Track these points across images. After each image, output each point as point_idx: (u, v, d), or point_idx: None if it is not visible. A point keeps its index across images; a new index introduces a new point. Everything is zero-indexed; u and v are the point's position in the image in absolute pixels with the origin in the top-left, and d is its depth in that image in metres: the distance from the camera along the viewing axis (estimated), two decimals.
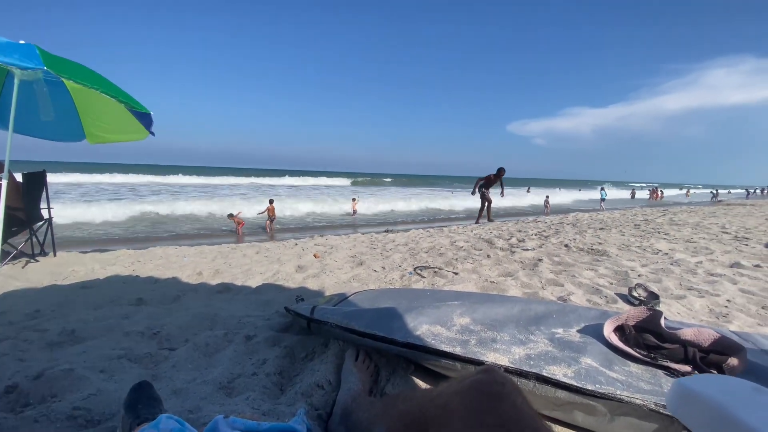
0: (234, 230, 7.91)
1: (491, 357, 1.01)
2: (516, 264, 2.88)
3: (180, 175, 34.15)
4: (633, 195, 26.42)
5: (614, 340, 1.08)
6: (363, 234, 5.33)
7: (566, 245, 3.80)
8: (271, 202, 9.10)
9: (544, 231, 5.22)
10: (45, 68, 2.53)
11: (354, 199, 12.04)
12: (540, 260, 2.98)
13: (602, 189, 17.67)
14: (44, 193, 3.60)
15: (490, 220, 8.28)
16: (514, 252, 3.38)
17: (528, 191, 23.61)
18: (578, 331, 1.19)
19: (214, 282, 2.56)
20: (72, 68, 2.82)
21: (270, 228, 8.53)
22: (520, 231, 5.28)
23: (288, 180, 35.52)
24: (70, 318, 1.75)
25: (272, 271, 2.83)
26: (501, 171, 8.33)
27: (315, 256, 3.41)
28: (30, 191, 3.49)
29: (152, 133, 3.60)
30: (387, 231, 5.88)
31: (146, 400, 0.89)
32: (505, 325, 1.23)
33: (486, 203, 8.48)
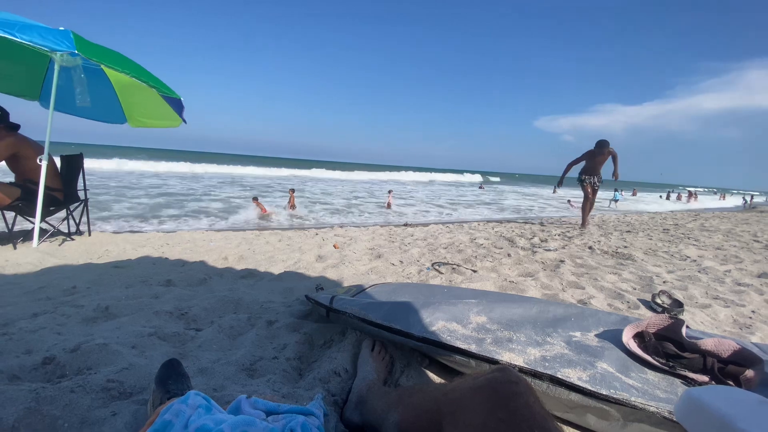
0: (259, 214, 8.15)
1: (506, 356, 1.02)
2: (537, 264, 2.85)
3: (241, 166, 28.70)
4: (668, 197, 25.47)
5: (633, 346, 1.07)
6: (382, 227, 5.36)
7: (590, 247, 3.72)
8: (291, 191, 9.32)
9: (568, 232, 5.12)
10: (76, 52, 2.67)
11: (390, 192, 11.96)
12: (562, 261, 2.93)
13: (616, 190, 17.71)
14: (81, 175, 3.78)
15: (584, 226, 5.56)
16: (535, 252, 3.34)
17: (554, 191, 23.04)
18: (596, 335, 1.18)
19: (238, 267, 2.64)
20: (105, 54, 2.97)
21: (291, 209, 8.80)
22: (543, 230, 5.20)
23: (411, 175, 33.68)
24: (104, 295, 1.85)
25: (294, 259, 2.90)
26: (603, 144, 5.34)
27: (335, 246, 3.47)
28: (68, 173, 3.67)
29: (184, 121, 3.75)
30: (406, 225, 5.89)
31: (175, 376, 0.95)
32: (521, 325, 1.23)
33: (589, 199, 5.61)
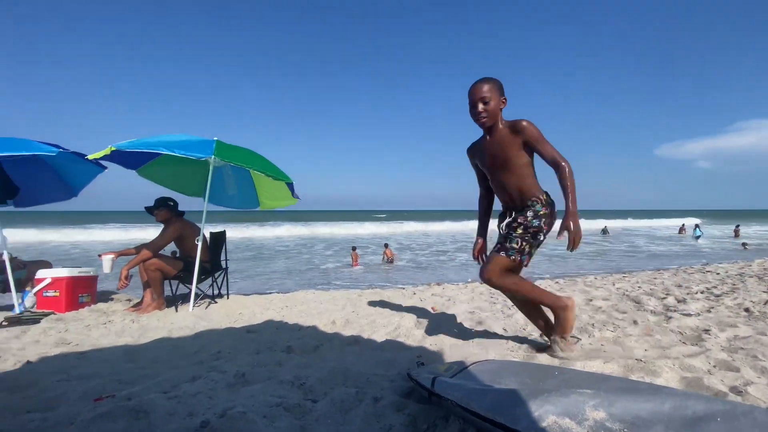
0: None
1: None
2: (672, 335, 2.44)
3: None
4: None
5: None
6: (481, 284, 5.17)
7: (747, 309, 3.05)
8: (386, 246, 9.84)
9: (716, 286, 4.27)
10: (214, 156, 3.51)
11: None
12: (707, 331, 2.46)
13: (696, 227, 14.62)
14: (224, 248, 4.59)
15: None
16: (670, 318, 2.87)
17: (737, 234, 17.42)
18: None
19: (345, 333, 2.84)
20: (236, 154, 3.84)
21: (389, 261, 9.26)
22: (679, 286, 4.42)
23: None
24: (241, 361, 2.18)
25: (393, 324, 3.00)
26: None
27: (433, 309, 3.48)
28: (214, 246, 4.50)
29: (298, 197, 4.45)
30: None
31: None
32: (651, 426, 1.09)
33: None
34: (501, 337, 2.56)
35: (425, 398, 1.50)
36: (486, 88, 1.98)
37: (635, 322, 2.78)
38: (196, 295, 4.08)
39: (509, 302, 3.70)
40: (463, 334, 2.64)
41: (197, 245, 3.94)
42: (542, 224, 2.02)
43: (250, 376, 1.92)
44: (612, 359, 2.00)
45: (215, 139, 3.92)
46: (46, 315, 3.65)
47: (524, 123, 1.97)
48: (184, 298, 4.17)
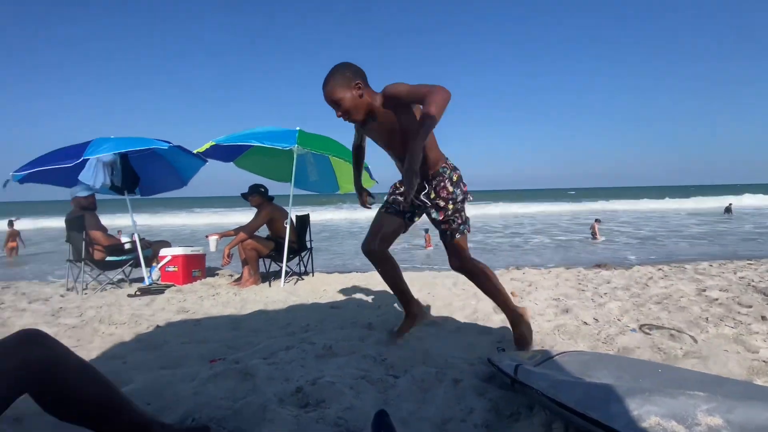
0: None
1: None
2: None
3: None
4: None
5: None
6: (567, 269, 4.83)
7: None
8: (426, 231, 9.36)
9: None
10: (296, 145, 3.75)
11: (596, 221, 10.25)
12: None
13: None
14: (308, 230, 4.94)
15: None
16: None
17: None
18: None
19: None
20: (317, 142, 4.10)
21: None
22: None
23: None
24: (328, 335, 2.35)
25: (471, 308, 2.96)
26: None
27: (512, 294, 3.35)
28: (300, 228, 4.86)
29: (376, 180, 4.59)
30: (599, 267, 5.13)
31: (386, 427, 1.14)
32: None
33: None
34: (591, 326, 2.38)
35: (507, 385, 1.47)
36: (329, 89, 1.77)
37: (763, 318, 2.37)
38: (286, 273, 4.47)
39: (601, 289, 3.41)
40: (547, 322, 2.51)
41: (286, 227, 4.30)
42: (462, 188, 1.96)
43: (336, 348, 2.07)
44: (731, 360, 1.75)
45: (297, 129, 4.19)
46: (168, 287, 4.32)
47: (388, 89, 1.77)
48: (276, 275, 4.59)
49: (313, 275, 4.81)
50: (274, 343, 2.21)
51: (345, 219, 20.36)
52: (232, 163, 5.07)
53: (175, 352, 2.20)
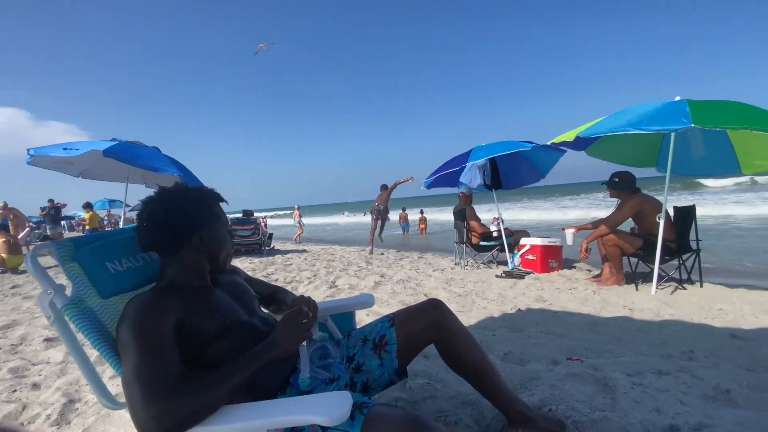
0: None
1: None
2: None
3: None
4: None
5: None
6: None
7: None
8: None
9: None
10: (693, 126, 2.76)
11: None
12: None
13: None
14: (693, 226, 3.85)
15: None
16: None
17: None
18: None
19: None
20: (720, 114, 2.89)
21: None
22: None
23: None
24: (723, 373, 1.77)
25: None
26: None
27: None
28: (681, 224, 3.87)
29: None
30: None
31: None
32: None
33: None
34: None
35: None
36: None
37: None
38: (660, 277, 3.71)
39: None
40: None
41: (659, 222, 3.56)
42: None
43: (736, 395, 1.54)
44: None
45: (685, 100, 3.26)
46: (527, 273, 4.71)
47: None
48: (645, 278, 3.91)
49: (701, 286, 3.70)
50: (641, 361, 1.93)
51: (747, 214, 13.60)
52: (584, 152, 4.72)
53: (533, 339, 2.39)
